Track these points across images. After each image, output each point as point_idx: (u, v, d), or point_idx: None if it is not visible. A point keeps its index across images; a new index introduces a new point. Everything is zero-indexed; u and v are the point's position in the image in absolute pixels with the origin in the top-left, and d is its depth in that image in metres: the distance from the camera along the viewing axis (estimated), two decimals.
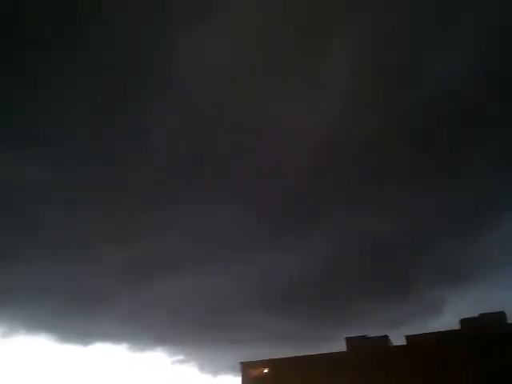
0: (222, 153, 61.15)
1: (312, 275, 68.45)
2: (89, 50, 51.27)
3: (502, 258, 75.10)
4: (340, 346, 53.95)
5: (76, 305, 70.41)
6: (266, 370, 55.03)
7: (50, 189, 59.17)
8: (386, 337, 52.68)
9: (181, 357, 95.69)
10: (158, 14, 48.70)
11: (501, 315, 46.79)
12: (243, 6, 50.34)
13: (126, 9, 47.21)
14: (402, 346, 49.82)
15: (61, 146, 57.58)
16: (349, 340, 53.47)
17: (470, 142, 62.86)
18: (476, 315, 48.69)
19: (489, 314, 47.59)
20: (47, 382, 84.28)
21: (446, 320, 72.16)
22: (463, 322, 49.12)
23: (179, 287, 71.21)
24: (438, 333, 48.39)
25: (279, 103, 58.31)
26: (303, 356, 53.74)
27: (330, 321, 67.06)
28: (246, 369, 54.97)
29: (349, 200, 67.09)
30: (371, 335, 53.34)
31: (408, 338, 49.96)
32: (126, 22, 47.90)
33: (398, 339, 52.47)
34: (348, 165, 64.11)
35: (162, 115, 56.64)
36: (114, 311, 74.23)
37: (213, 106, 56.19)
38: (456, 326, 49.65)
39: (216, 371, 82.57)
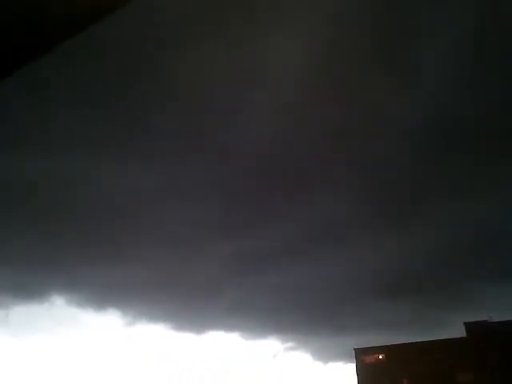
0: (320, 149, 61.60)
1: (424, 262, 66.39)
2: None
3: None
4: (459, 332, 51.97)
5: (190, 296, 75.96)
6: (381, 356, 54.73)
7: (164, 192, 64.88)
8: (511, 322, 49.47)
9: (292, 344, 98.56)
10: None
11: None
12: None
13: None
14: None
15: (175, 157, 62.45)
16: (468, 325, 51.09)
17: None
18: None
19: None
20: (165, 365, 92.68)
21: None
22: None
23: (289, 277, 73.32)
24: None
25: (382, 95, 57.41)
26: (420, 342, 52.52)
27: (446, 305, 64.33)
28: (361, 355, 55.01)
29: (457, 188, 64.24)
30: (493, 320, 50.45)
31: None
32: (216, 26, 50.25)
33: None
34: (446, 152, 61.27)
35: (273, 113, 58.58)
36: (225, 302, 78.66)
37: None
38: None
39: (327, 358, 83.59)
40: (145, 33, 49.00)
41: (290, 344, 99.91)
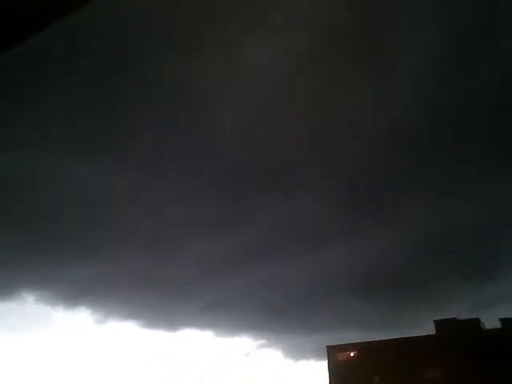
0: (295, 149, 61.75)
1: (395, 261, 67.53)
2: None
3: None
4: (429, 329, 52.91)
5: (164, 295, 74.93)
6: (352, 354, 55.16)
7: (139, 191, 63.72)
8: (478, 319, 50.57)
9: (264, 341, 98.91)
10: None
11: None
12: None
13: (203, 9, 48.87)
14: (498, 329, 47.66)
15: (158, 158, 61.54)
16: (438, 323, 52.04)
17: None
18: None
19: None
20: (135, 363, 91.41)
21: None
22: None
23: (262, 277, 73.42)
24: None
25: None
26: (391, 339, 53.19)
27: (417, 304, 65.72)
28: (333, 352, 55.32)
29: (425, 189, 65.63)
30: (461, 317, 51.57)
31: (504, 320, 47.70)
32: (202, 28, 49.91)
33: (489, 322, 50.46)
34: (420, 152, 62.43)
35: (235, 113, 58.09)
36: (199, 300, 78.09)
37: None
38: None
39: (299, 356, 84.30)
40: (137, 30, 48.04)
41: (262, 341, 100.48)
